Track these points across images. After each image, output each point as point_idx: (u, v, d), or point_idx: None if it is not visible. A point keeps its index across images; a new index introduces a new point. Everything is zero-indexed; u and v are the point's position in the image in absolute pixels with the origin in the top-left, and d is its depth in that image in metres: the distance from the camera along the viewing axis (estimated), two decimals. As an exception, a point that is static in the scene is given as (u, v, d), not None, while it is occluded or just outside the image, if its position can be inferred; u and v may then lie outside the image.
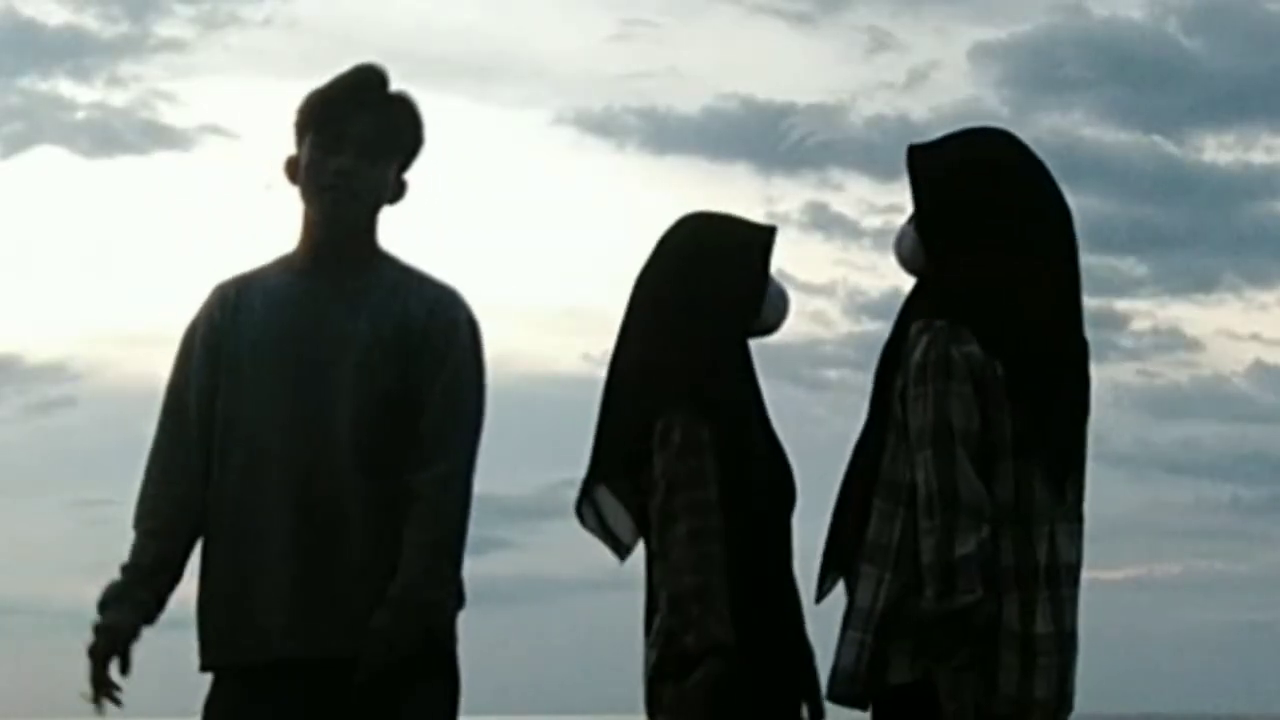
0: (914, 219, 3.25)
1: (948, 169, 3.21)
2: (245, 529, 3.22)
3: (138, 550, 3.28)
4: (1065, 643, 3.12)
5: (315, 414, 3.21)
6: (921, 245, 3.22)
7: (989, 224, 3.15)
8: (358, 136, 3.26)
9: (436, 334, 3.27)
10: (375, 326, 3.25)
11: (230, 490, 3.25)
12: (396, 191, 3.36)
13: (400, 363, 3.24)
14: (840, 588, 3.25)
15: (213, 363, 3.31)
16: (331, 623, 3.16)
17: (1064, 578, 3.12)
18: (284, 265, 3.36)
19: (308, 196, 3.32)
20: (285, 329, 3.28)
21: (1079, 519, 3.18)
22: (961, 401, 3.05)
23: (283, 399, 3.24)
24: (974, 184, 3.19)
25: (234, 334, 3.30)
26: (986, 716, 3.04)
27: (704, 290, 3.34)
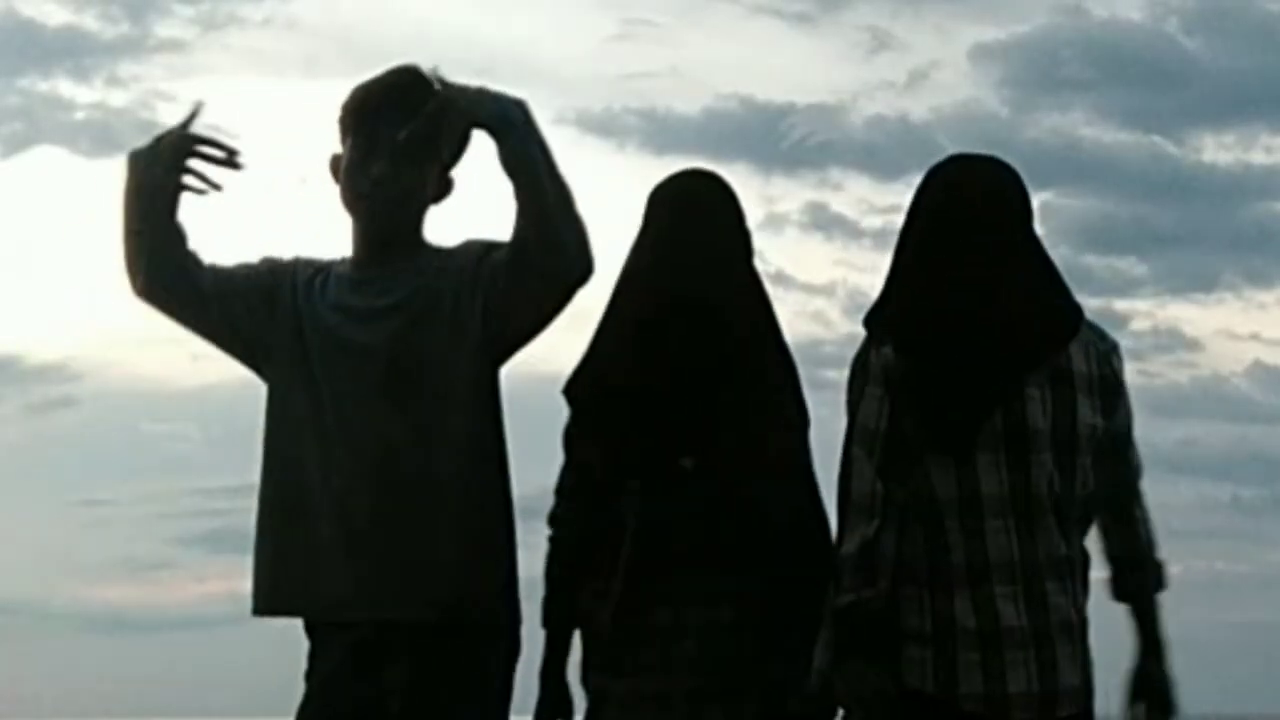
0: None
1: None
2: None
3: None
4: (991, 639, 3.12)
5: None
6: None
7: (906, 237, 3.29)
8: (393, 140, 3.23)
9: None
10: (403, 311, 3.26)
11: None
12: (441, 190, 3.35)
13: None
14: None
15: (269, 302, 3.32)
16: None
17: (995, 573, 3.14)
18: (347, 262, 3.36)
19: (346, 201, 3.32)
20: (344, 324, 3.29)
21: (1030, 512, 3.16)
22: (871, 402, 3.20)
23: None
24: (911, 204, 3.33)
25: (309, 306, 3.31)
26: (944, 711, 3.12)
27: None
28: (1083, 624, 3.22)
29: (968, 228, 3.23)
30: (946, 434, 3.17)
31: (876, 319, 3.27)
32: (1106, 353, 3.30)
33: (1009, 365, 3.19)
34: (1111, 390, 3.28)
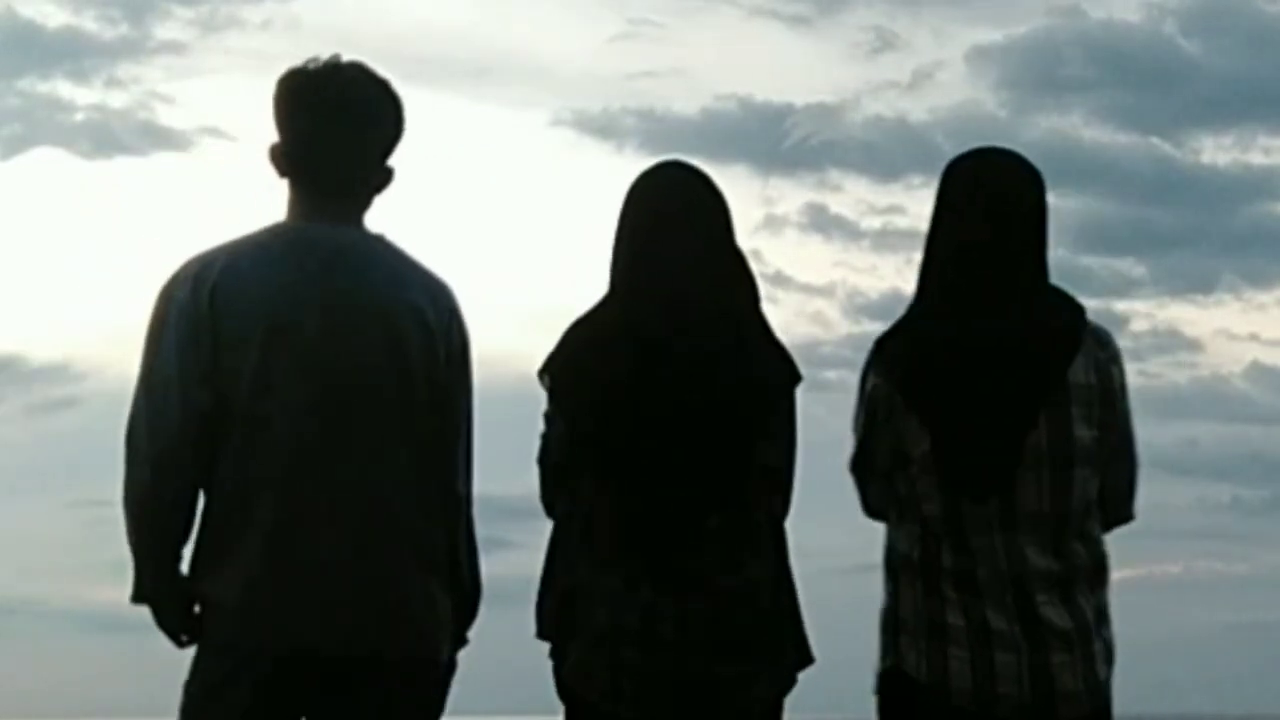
0: None
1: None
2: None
3: None
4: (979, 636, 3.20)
5: None
6: None
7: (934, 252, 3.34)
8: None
9: None
10: None
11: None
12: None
13: None
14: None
15: None
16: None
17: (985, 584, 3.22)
18: None
19: None
20: None
21: (1015, 527, 3.22)
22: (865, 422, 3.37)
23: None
24: (939, 201, 3.37)
25: None
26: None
27: None
28: (1086, 629, 3.24)
29: (988, 252, 3.28)
30: (967, 472, 3.22)
31: (891, 355, 3.33)
32: (1106, 363, 3.31)
33: (1028, 391, 3.23)
34: (1108, 402, 3.29)
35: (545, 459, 3.48)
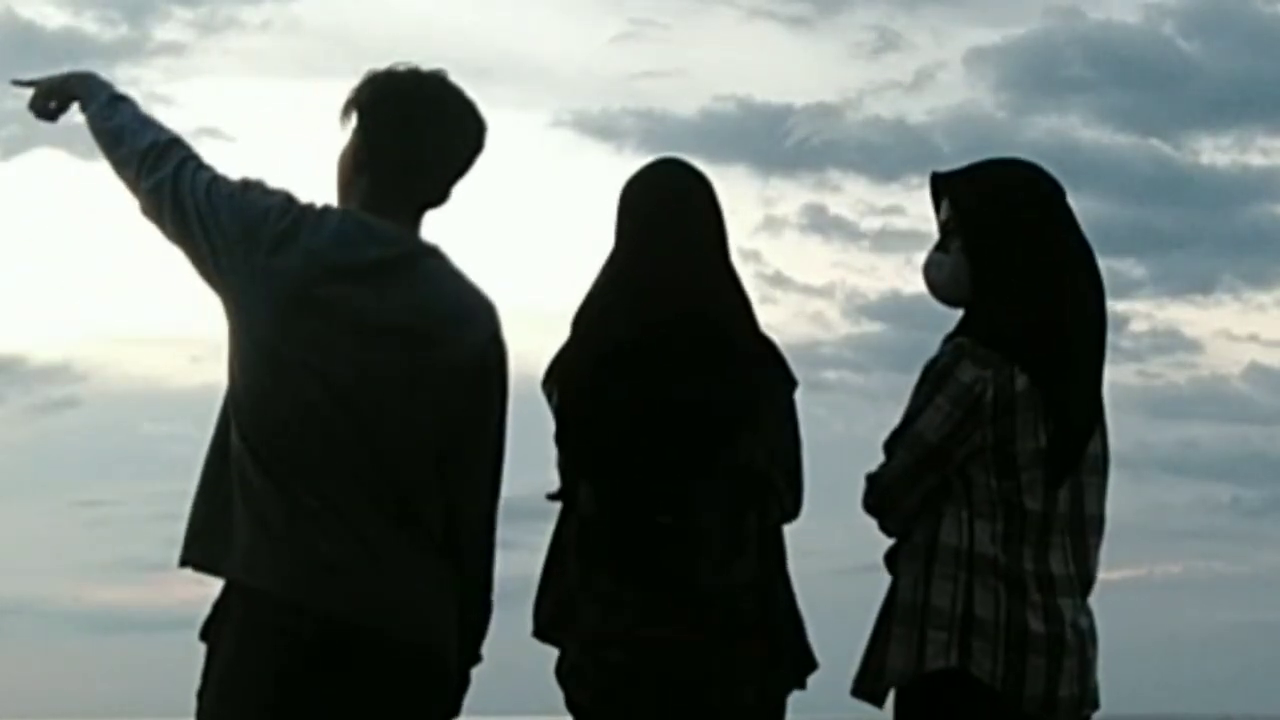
0: (964, 248, 3.30)
1: (994, 199, 3.29)
2: None
3: None
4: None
5: None
6: (969, 274, 3.29)
7: (1038, 253, 3.25)
8: None
9: None
10: None
11: None
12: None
13: None
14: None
15: None
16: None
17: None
18: None
19: None
20: None
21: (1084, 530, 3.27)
22: (937, 414, 3.21)
23: None
24: (1024, 214, 3.27)
25: None
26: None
27: None
28: (1095, 630, 3.30)
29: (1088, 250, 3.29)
30: (1067, 467, 3.22)
31: (1005, 338, 3.22)
32: None
33: (1100, 396, 3.29)
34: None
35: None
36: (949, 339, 3.28)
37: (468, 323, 3.17)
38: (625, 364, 3.37)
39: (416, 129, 3.17)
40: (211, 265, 3.14)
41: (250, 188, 3.17)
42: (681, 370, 3.36)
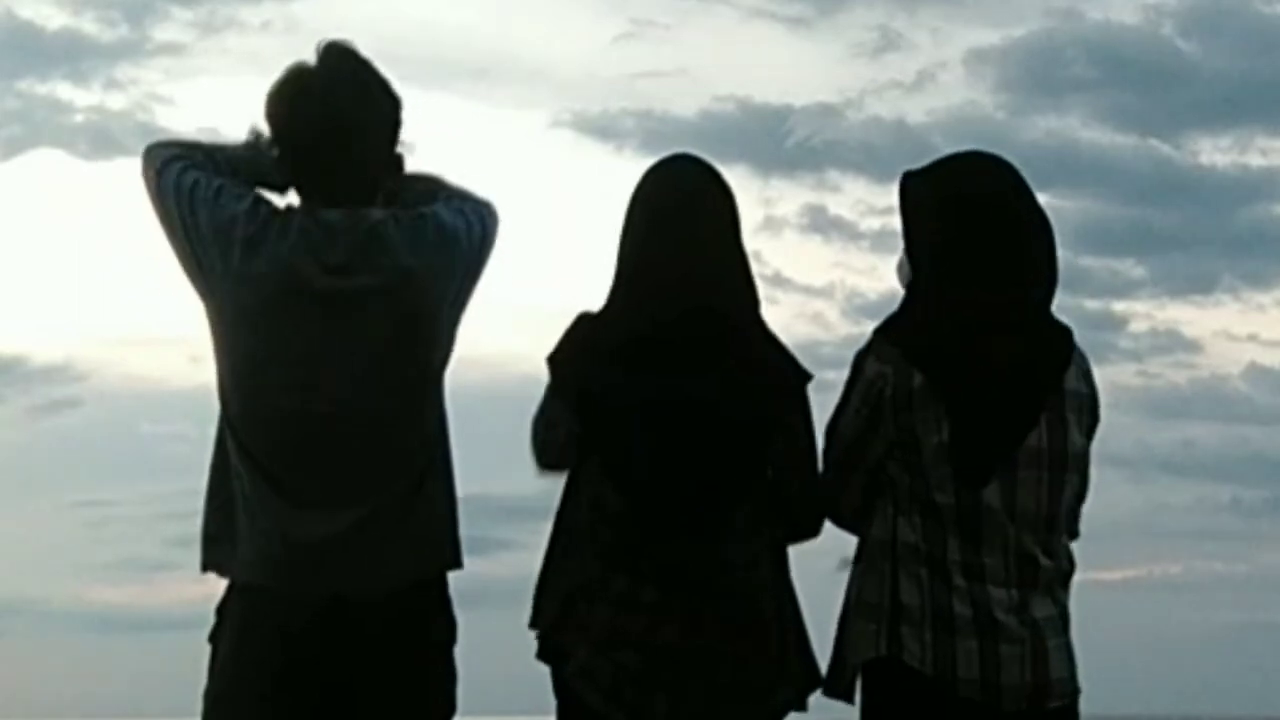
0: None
1: (930, 205, 3.35)
2: None
3: None
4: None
5: None
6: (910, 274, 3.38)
7: (954, 261, 3.29)
8: None
9: None
10: None
11: None
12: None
13: None
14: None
15: None
16: None
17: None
18: None
19: None
20: None
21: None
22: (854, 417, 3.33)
23: None
24: (948, 223, 3.31)
25: None
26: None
27: None
28: (1066, 620, 3.32)
29: (998, 237, 3.30)
30: (977, 463, 3.23)
31: (900, 336, 3.31)
32: (1087, 371, 3.39)
33: (1033, 394, 3.28)
34: (1090, 410, 3.38)
35: (538, 426, 3.47)
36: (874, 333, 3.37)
37: (402, 243, 3.19)
38: (639, 359, 3.36)
39: (305, 114, 3.20)
40: (195, 267, 3.21)
41: (223, 192, 3.21)
42: (696, 366, 3.35)
